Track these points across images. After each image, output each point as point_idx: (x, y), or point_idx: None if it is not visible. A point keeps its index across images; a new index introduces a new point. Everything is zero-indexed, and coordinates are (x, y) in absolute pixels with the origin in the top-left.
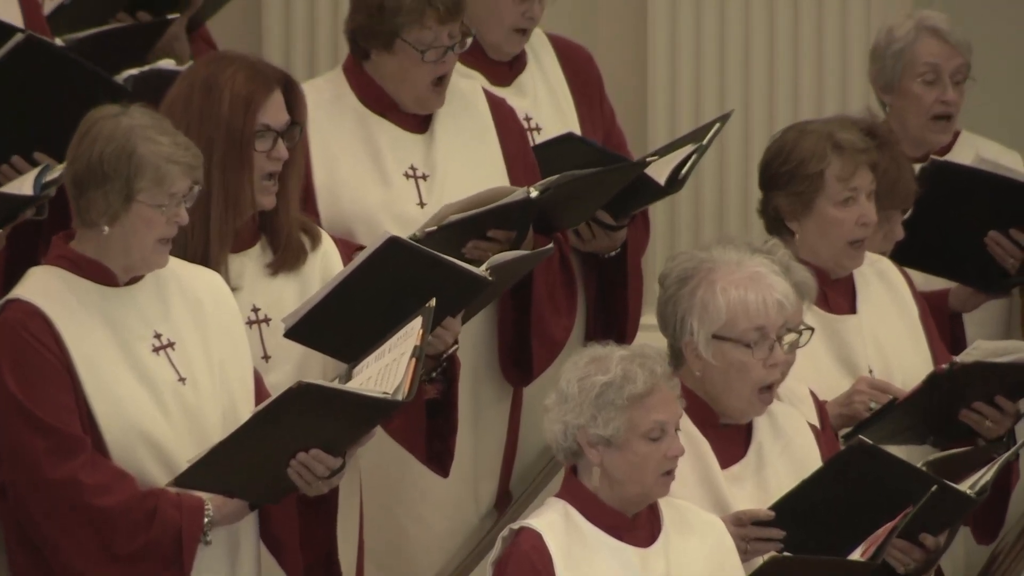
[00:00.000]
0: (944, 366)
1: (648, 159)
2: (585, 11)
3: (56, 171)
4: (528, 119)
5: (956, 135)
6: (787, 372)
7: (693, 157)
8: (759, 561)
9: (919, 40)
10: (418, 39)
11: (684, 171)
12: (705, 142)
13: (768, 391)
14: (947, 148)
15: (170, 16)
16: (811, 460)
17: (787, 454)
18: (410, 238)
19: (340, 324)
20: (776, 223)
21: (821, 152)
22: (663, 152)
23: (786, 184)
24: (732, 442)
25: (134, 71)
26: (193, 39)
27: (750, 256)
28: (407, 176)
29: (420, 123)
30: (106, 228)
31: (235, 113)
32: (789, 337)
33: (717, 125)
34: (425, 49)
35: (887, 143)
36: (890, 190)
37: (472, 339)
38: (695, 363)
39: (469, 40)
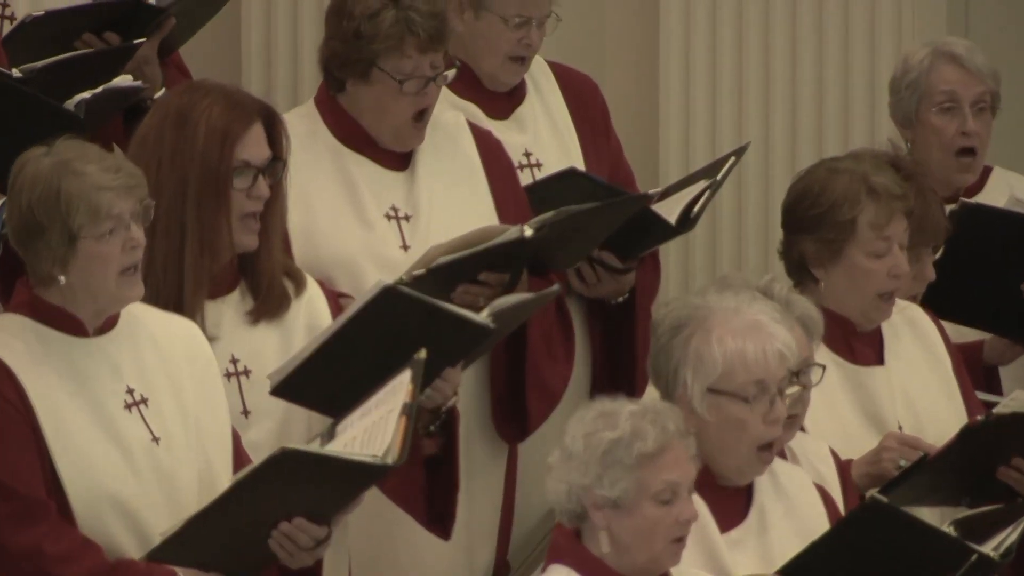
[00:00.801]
0: (980, 418)
1: (652, 193)
2: (592, 37)
3: None
4: (528, 154)
5: (988, 172)
6: (795, 426)
7: (706, 194)
8: None
9: (935, 67)
10: (396, 68)
11: (697, 209)
12: (719, 177)
13: (768, 449)
14: (978, 187)
15: (136, 41)
16: (817, 522)
17: (791, 516)
18: (397, 282)
19: (330, 380)
20: (799, 268)
21: (854, 196)
22: (675, 189)
23: (814, 229)
24: (732, 504)
25: (86, 94)
26: (166, 66)
27: (749, 303)
28: (388, 217)
29: (400, 160)
30: (62, 278)
31: (211, 148)
32: (792, 390)
33: (732, 159)
34: (404, 79)
35: (913, 176)
36: (918, 226)
37: (461, 393)
38: (689, 419)
39: (452, 72)
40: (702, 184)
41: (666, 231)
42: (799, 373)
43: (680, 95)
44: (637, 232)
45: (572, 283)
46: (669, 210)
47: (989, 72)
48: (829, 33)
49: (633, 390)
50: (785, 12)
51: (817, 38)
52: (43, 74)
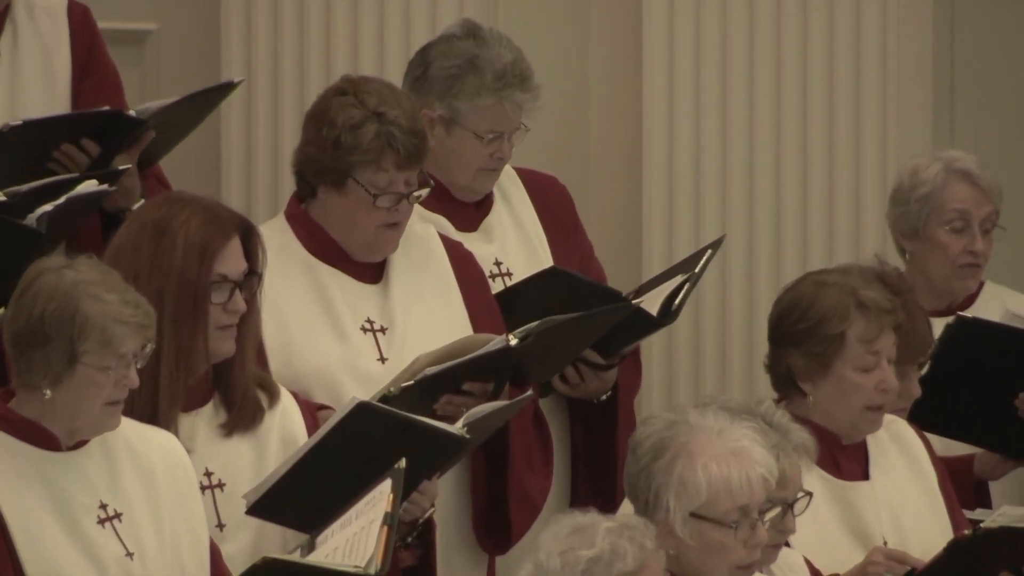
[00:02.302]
0: (967, 532)
1: (635, 300)
2: (577, 145)
3: None
4: (499, 263)
5: (980, 287)
6: (777, 551)
7: (686, 287)
8: None
9: (948, 184)
10: (371, 181)
11: (677, 302)
12: (697, 270)
13: (747, 570)
14: (969, 301)
15: (121, 167)
16: None
17: None
18: (384, 394)
19: (307, 496)
20: (786, 382)
21: (844, 311)
22: (648, 287)
23: (802, 342)
24: None
25: (47, 207)
26: (145, 177)
27: (730, 425)
28: (364, 330)
29: (374, 272)
30: (48, 392)
31: (189, 262)
32: (772, 513)
33: (709, 252)
34: (379, 193)
35: (900, 291)
36: (906, 343)
37: (441, 504)
38: (668, 541)
39: (425, 191)
40: (680, 278)
41: (648, 325)
42: (793, 504)
43: (663, 203)
44: (618, 327)
45: (556, 385)
46: (649, 304)
47: (997, 191)
48: (813, 144)
49: (614, 495)
50: (770, 123)
51: (801, 150)
52: (27, 198)
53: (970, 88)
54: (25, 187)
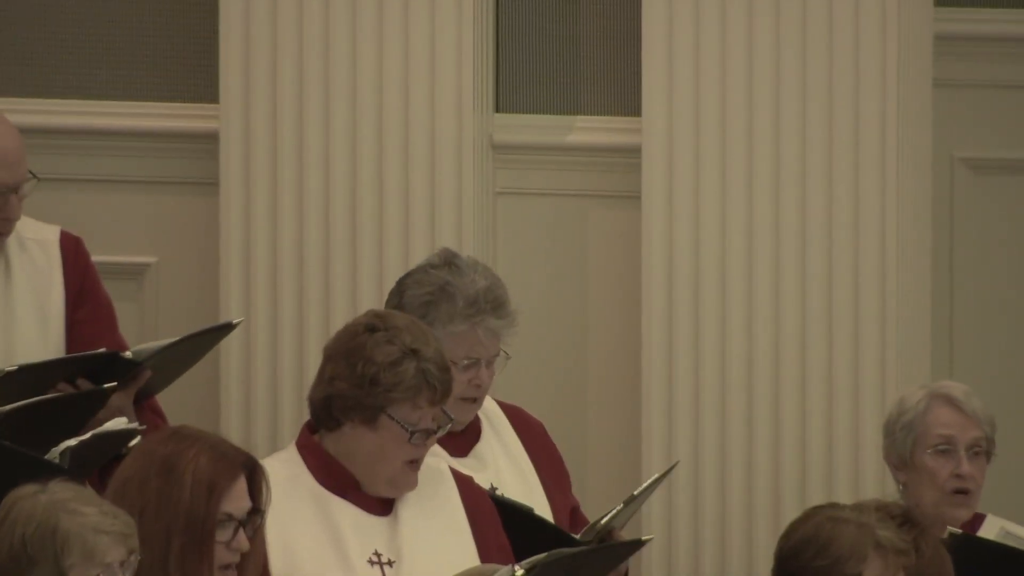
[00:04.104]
0: None
1: (643, 540)
2: (575, 385)
3: None
4: (494, 488)
5: (981, 519)
6: None
7: (620, 508)
8: None
9: (931, 410)
10: (406, 418)
11: (603, 523)
12: (636, 493)
13: None
14: (970, 532)
15: (107, 386)
16: None
17: None
18: None
19: None
20: None
21: (861, 551)
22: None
23: None
24: None
25: (72, 442)
26: (141, 409)
27: None
28: (371, 562)
29: (383, 505)
30: None
31: (197, 500)
32: None
33: (655, 475)
34: (415, 430)
35: (925, 529)
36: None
37: None
38: None
39: (448, 427)
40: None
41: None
42: None
43: (663, 444)
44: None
45: None
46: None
47: (985, 417)
48: (811, 386)
49: None
50: (768, 376)
51: (800, 394)
52: (12, 417)
53: (970, 333)
54: (8, 407)
